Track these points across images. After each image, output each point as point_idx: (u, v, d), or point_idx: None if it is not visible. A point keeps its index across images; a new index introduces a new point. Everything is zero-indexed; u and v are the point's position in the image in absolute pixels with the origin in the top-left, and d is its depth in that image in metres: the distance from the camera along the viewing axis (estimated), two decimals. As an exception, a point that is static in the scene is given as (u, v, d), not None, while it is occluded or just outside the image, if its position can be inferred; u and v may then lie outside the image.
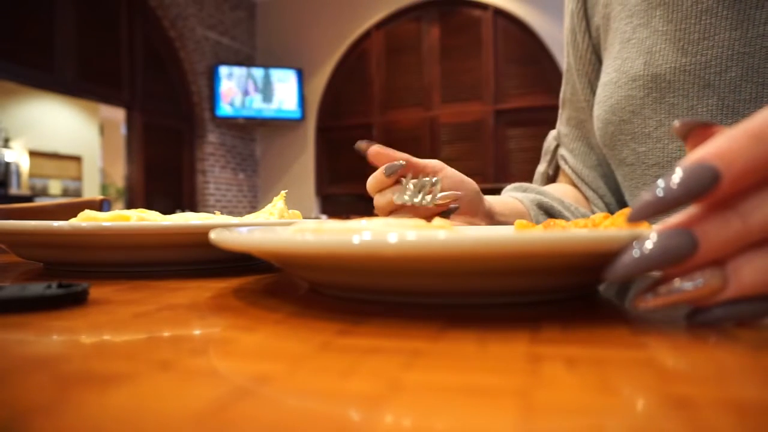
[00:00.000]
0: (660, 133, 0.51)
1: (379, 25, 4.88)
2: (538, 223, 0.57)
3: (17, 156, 6.02)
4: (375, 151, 0.46)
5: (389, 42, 4.87)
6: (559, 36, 4.19)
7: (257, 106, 4.96)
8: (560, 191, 0.65)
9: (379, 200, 0.48)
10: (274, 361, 0.16)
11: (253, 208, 5.23)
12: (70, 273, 0.38)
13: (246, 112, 4.91)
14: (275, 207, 0.50)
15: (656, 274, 0.18)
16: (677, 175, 0.17)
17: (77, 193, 6.78)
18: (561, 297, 0.25)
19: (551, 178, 0.73)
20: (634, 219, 0.18)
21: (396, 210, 0.48)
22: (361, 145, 0.47)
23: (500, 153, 4.53)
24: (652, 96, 0.51)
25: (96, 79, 3.99)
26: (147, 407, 0.12)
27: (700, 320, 0.18)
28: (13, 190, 5.81)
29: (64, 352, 0.18)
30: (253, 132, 5.32)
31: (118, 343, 0.19)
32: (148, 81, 4.39)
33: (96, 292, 0.29)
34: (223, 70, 4.83)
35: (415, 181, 0.46)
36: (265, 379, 0.14)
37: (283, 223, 0.41)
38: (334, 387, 0.14)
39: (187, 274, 0.38)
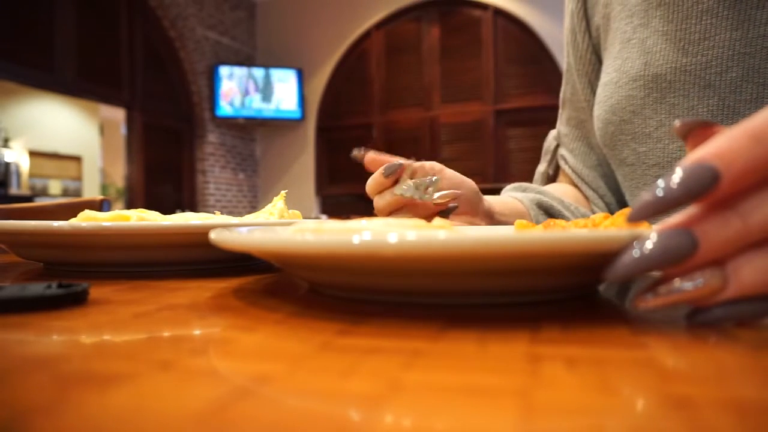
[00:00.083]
0: (660, 134, 0.51)
1: (379, 25, 4.88)
2: (538, 222, 0.57)
3: (17, 156, 6.02)
4: (371, 158, 0.47)
5: (389, 42, 4.87)
6: (559, 36, 4.19)
7: (257, 106, 4.96)
8: (560, 191, 0.65)
9: (378, 202, 0.48)
10: (274, 361, 0.16)
11: (253, 208, 5.23)
12: (70, 273, 0.38)
13: (246, 112, 4.91)
14: (275, 207, 0.50)
15: (656, 274, 0.18)
16: (677, 175, 0.17)
17: (77, 193, 6.78)
18: (561, 297, 0.25)
19: (551, 178, 0.73)
20: (634, 219, 0.18)
21: (396, 211, 0.48)
22: (357, 153, 0.47)
23: (500, 153, 4.53)
24: (652, 96, 0.51)
25: (96, 79, 3.99)
26: (147, 407, 0.12)
27: (700, 320, 0.18)
28: (13, 190, 5.81)
29: (64, 352, 0.18)
30: (253, 132, 5.32)
31: (118, 343, 0.19)
32: (148, 81, 4.39)
33: (96, 292, 0.29)
34: (224, 71, 4.83)
35: (414, 180, 0.46)
36: (265, 379, 0.14)
37: (283, 223, 0.41)
38: (334, 387, 0.14)
39: (187, 274, 0.38)
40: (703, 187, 0.17)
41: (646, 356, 0.16)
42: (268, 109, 4.99)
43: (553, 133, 0.73)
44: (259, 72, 4.96)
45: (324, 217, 4.22)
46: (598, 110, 0.58)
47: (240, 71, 4.89)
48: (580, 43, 0.64)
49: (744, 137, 0.17)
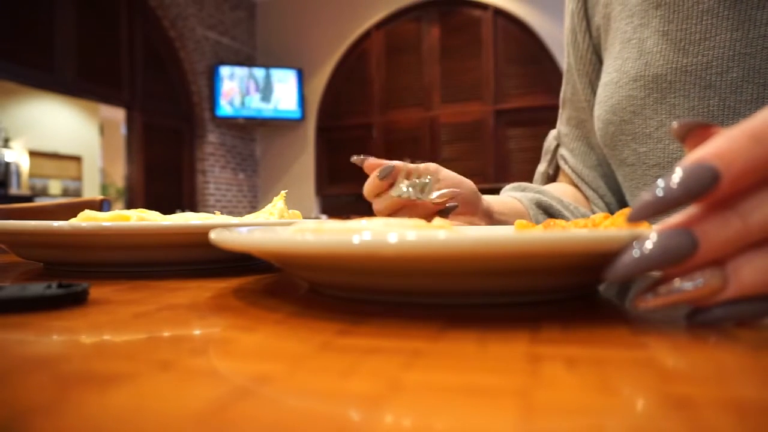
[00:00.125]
0: (661, 134, 0.51)
1: (379, 25, 4.88)
2: (537, 221, 0.57)
3: (17, 156, 6.02)
4: (370, 163, 0.47)
5: (389, 42, 4.87)
6: (559, 36, 4.19)
7: (257, 106, 4.96)
8: (560, 190, 0.65)
9: (377, 205, 0.48)
10: (274, 361, 0.16)
11: (253, 208, 5.23)
12: (70, 273, 0.38)
13: (246, 112, 4.91)
14: (275, 207, 0.50)
15: (656, 274, 0.18)
16: (677, 175, 0.17)
17: (77, 193, 6.78)
18: (561, 297, 0.25)
19: (551, 178, 0.73)
20: (634, 219, 0.18)
21: (395, 213, 0.48)
22: (356, 159, 0.48)
23: (500, 153, 4.53)
24: (653, 96, 0.51)
25: (96, 79, 3.99)
26: (147, 407, 0.12)
27: (700, 320, 0.18)
28: (13, 190, 5.81)
29: (64, 352, 0.18)
30: (253, 132, 5.32)
31: (118, 343, 0.19)
32: (148, 81, 4.39)
33: (96, 292, 0.29)
34: (225, 71, 4.83)
35: (410, 181, 0.46)
36: (265, 379, 0.14)
37: (283, 223, 0.41)
38: (334, 387, 0.14)
39: (187, 274, 0.38)
40: (703, 187, 0.17)
41: (646, 356, 0.16)
42: (268, 109, 4.99)
43: (553, 133, 0.73)
44: (259, 72, 4.96)
45: (324, 217, 4.22)
46: (599, 110, 0.58)
47: (241, 71, 4.89)
48: (581, 43, 0.64)
49: (744, 137, 0.17)
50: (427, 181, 0.46)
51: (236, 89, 4.87)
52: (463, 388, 0.13)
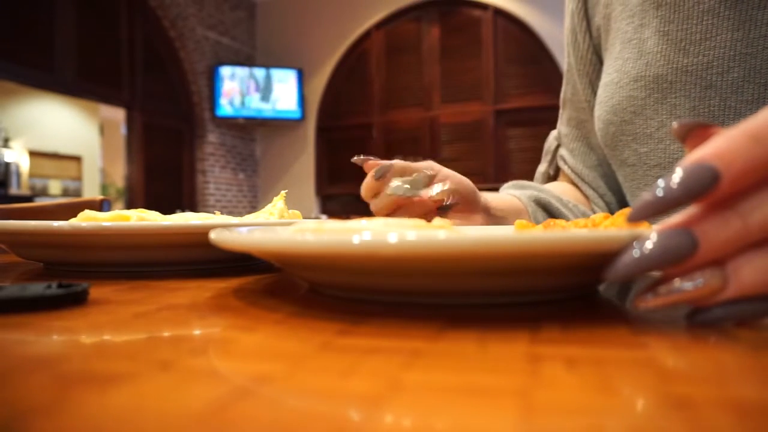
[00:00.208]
0: (662, 134, 0.51)
1: (379, 25, 4.88)
2: (536, 218, 0.57)
3: (17, 156, 6.02)
4: (371, 163, 0.48)
5: (389, 42, 4.87)
6: (559, 36, 4.19)
7: (257, 106, 4.96)
8: (559, 189, 0.65)
9: (374, 205, 0.48)
10: (274, 361, 0.16)
11: (253, 208, 5.23)
12: (70, 273, 0.38)
13: (246, 112, 4.91)
14: (275, 207, 0.50)
15: (656, 274, 0.18)
16: (677, 175, 0.17)
17: (77, 193, 6.78)
18: (561, 297, 0.25)
19: (552, 179, 0.73)
20: (634, 219, 0.18)
21: (394, 212, 0.48)
22: (357, 159, 0.48)
23: (500, 153, 4.53)
24: (653, 96, 0.51)
25: (96, 79, 3.99)
26: (147, 407, 0.12)
27: (700, 320, 0.18)
28: (13, 190, 5.81)
29: (64, 352, 0.18)
30: (253, 132, 5.32)
31: (118, 343, 0.19)
32: (148, 81, 4.39)
33: (96, 292, 0.29)
34: (226, 71, 4.83)
35: (405, 179, 0.46)
36: (265, 379, 0.14)
37: (283, 223, 0.41)
38: (334, 387, 0.14)
39: (187, 274, 0.38)
40: (703, 187, 0.17)
41: (646, 356, 0.16)
42: (268, 109, 4.99)
43: (554, 133, 0.73)
44: (259, 72, 4.96)
45: (324, 217, 4.22)
46: (599, 111, 0.58)
47: (241, 71, 4.89)
48: (581, 44, 0.64)
49: (743, 137, 0.17)
50: (421, 177, 0.46)
51: (236, 89, 4.87)
52: (463, 388, 0.13)
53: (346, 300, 0.25)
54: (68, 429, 0.11)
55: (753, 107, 0.46)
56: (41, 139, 6.36)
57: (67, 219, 0.40)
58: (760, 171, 0.17)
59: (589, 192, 0.65)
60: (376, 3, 4.85)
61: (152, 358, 0.16)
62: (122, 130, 6.15)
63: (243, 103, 4.90)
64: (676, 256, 0.17)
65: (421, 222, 0.26)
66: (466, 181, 0.50)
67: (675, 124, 0.20)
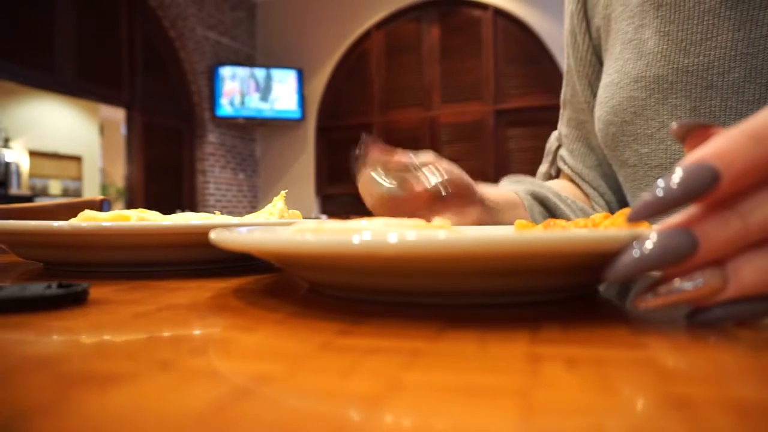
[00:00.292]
0: (663, 135, 0.51)
1: (379, 25, 4.88)
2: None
3: (17, 156, 6.02)
4: (374, 147, 0.48)
5: (389, 42, 4.87)
6: (559, 36, 4.19)
7: (257, 106, 4.96)
8: (558, 186, 0.65)
9: (371, 207, 0.48)
10: (274, 361, 0.16)
11: (253, 208, 5.23)
12: (70, 273, 0.38)
13: (246, 112, 4.91)
14: (275, 207, 0.50)
15: (656, 274, 0.18)
16: (677, 175, 0.17)
17: (77, 193, 6.78)
18: (561, 297, 0.25)
19: (553, 179, 0.73)
20: (634, 219, 0.18)
21: (387, 203, 0.49)
22: (361, 142, 0.49)
23: (500, 153, 4.53)
24: (654, 97, 0.51)
25: (96, 79, 3.99)
26: (147, 407, 0.12)
27: (700, 320, 0.18)
28: (13, 190, 5.81)
29: (64, 352, 0.18)
30: (253, 132, 5.32)
31: (118, 343, 0.19)
32: (148, 81, 4.39)
33: (96, 292, 0.29)
34: (227, 71, 4.83)
35: (390, 175, 0.47)
36: (265, 379, 0.14)
37: (283, 223, 0.41)
38: (334, 387, 0.14)
39: (187, 274, 0.38)
40: (703, 187, 0.17)
41: (646, 356, 0.16)
42: (268, 109, 4.99)
43: (555, 134, 0.73)
44: (259, 72, 4.96)
45: (324, 217, 4.22)
46: (599, 111, 0.58)
47: (241, 71, 4.89)
48: (580, 45, 0.64)
49: (743, 137, 0.17)
50: (403, 175, 0.47)
51: (236, 89, 4.87)
52: (463, 388, 0.13)
53: (346, 300, 0.25)
54: (68, 429, 0.11)
55: (754, 107, 0.46)
56: (41, 139, 6.36)
57: (67, 219, 0.40)
58: (760, 171, 0.17)
59: (590, 191, 0.65)
60: (376, 3, 4.85)
61: (152, 358, 0.16)
62: (122, 130, 6.14)
63: (243, 103, 4.90)
64: (676, 256, 0.17)
65: (421, 222, 0.26)
66: (461, 174, 0.50)
67: (674, 125, 0.20)
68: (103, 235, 0.35)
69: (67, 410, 0.12)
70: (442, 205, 0.50)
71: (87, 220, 0.40)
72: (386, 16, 4.84)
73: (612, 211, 0.64)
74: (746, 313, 0.18)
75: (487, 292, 0.23)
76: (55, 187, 6.57)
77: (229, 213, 4.69)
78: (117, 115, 6.50)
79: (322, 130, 5.13)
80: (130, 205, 4.33)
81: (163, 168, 4.57)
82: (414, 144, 4.71)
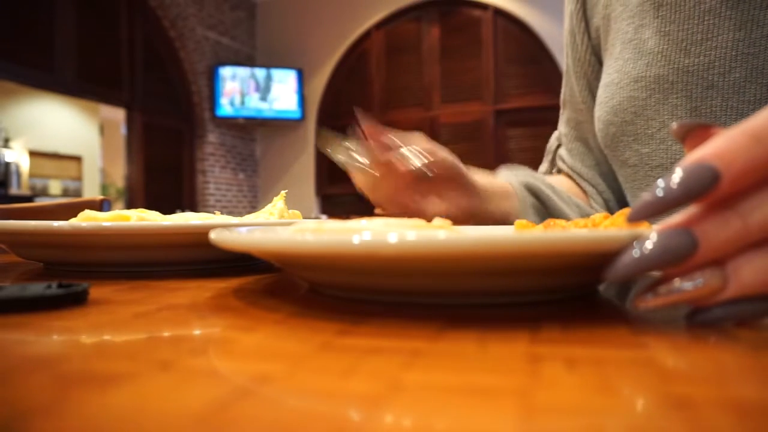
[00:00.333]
0: (663, 135, 0.51)
1: (379, 25, 4.87)
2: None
3: (17, 156, 6.02)
4: (368, 127, 0.51)
5: (389, 42, 4.87)
6: (559, 36, 4.19)
7: (257, 106, 4.95)
8: (556, 181, 0.66)
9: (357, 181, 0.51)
10: (274, 361, 0.16)
11: (253, 208, 5.23)
12: (70, 273, 0.38)
13: (246, 112, 4.91)
14: (275, 207, 0.50)
15: (656, 274, 0.18)
16: (677, 175, 0.17)
17: (77, 193, 6.78)
18: (561, 297, 0.25)
19: None
20: (634, 219, 0.18)
21: (369, 182, 0.50)
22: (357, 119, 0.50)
23: (500, 153, 4.53)
24: (654, 97, 0.51)
25: (96, 79, 3.99)
26: (147, 407, 0.12)
27: (700, 320, 0.18)
28: (13, 190, 5.81)
29: (64, 352, 0.18)
30: (253, 132, 5.32)
31: (118, 343, 0.19)
32: (148, 81, 4.39)
33: (96, 292, 0.29)
34: (227, 71, 4.82)
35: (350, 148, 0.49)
36: (265, 379, 0.14)
37: (283, 223, 0.41)
38: (334, 387, 0.14)
39: (187, 274, 0.38)
40: (703, 187, 0.17)
41: (646, 356, 0.16)
42: (268, 109, 4.99)
43: (556, 134, 0.73)
44: (260, 72, 4.96)
45: (324, 217, 4.22)
46: (600, 111, 0.58)
47: (242, 71, 4.89)
48: (579, 45, 0.64)
49: (744, 137, 0.17)
50: (358, 146, 0.49)
51: (237, 89, 4.87)
52: (463, 388, 0.13)
53: (346, 300, 0.25)
54: (68, 429, 0.11)
55: (755, 107, 0.46)
56: (41, 139, 6.36)
57: (67, 219, 0.40)
58: (761, 171, 0.17)
59: (588, 188, 0.65)
60: (376, 3, 4.85)
61: (152, 358, 0.16)
62: (122, 130, 6.14)
63: (243, 103, 4.90)
64: (676, 256, 0.17)
65: (421, 222, 0.26)
66: (451, 158, 0.51)
67: (674, 125, 0.20)
68: (103, 235, 0.35)
69: (67, 410, 0.12)
70: (429, 187, 0.50)
71: (87, 220, 0.40)
72: (386, 16, 4.83)
73: (610, 210, 0.64)
74: (746, 313, 0.18)
75: (487, 292, 0.23)
76: (55, 187, 6.57)
77: (229, 213, 4.68)
78: (117, 115, 6.50)
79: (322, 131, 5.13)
80: (130, 205, 4.33)
81: (163, 168, 4.57)
82: (414, 144, 4.70)
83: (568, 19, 0.66)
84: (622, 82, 0.54)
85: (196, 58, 4.68)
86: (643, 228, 0.22)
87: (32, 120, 6.24)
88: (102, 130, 7.23)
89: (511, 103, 4.49)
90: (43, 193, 6.35)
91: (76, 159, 6.84)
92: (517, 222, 0.33)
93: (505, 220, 0.57)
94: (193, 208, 4.74)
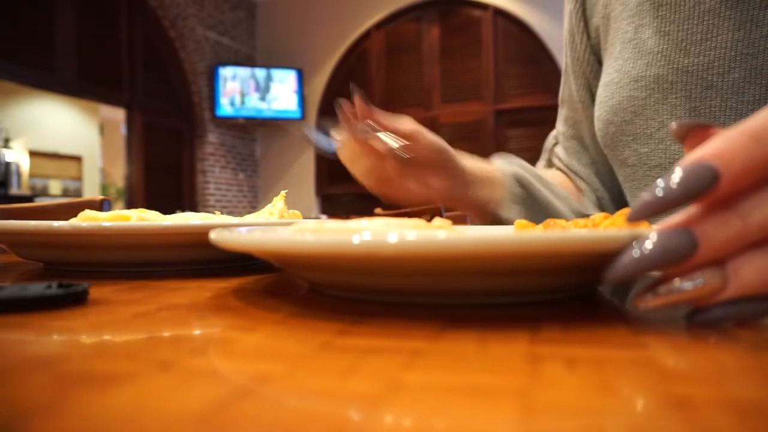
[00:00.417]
0: (662, 134, 0.51)
1: (379, 25, 4.87)
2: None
3: (17, 156, 6.02)
4: (360, 104, 0.53)
5: (389, 42, 4.87)
6: (559, 36, 4.19)
7: (257, 106, 4.95)
8: (550, 174, 0.66)
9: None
10: (274, 361, 0.16)
11: (253, 208, 5.23)
12: (70, 273, 0.38)
13: (246, 112, 4.91)
14: (275, 207, 0.50)
15: (656, 274, 0.18)
16: (677, 175, 0.17)
17: (77, 193, 6.78)
18: (561, 297, 0.25)
19: None
20: (633, 219, 0.18)
21: (348, 161, 0.54)
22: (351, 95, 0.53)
23: (500, 153, 4.53)
24: (654, 97, 0.51)
25: (96, 79, 3.99)
26: (147, 407, 0.12)
27: (700, 320, 0.18)
28: (13, 190, 5.81)
29: (64, 352, 0.18)
30: (253, 132, 5.32)
31: (118, 343, 0.19)
32: (148, 81, 4.39)
33: (96, 292, 0.29)
34: (227, 72, 4.82)
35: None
36: (265, 379, 0.14)
37: (283, 223, 0.41)
38: (334, 387, 0.14)
39: (187, 274, 0.38)
40: (703, 187, 0.17)
41: (646, 356, 0.16)
42: (268, 109, 4.99)
43: (553, 132, 0.73)
44: (260, 72, 4.96)
45: (324, 217, 4.22)
46: (599, 111, 0.58)
47: (242, 71, 4.89)
48: (578, 44, 0.64)
49: (743, 137, 0.17)
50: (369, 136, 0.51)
51: (237, 89, 4.87)
52: (463, 388, 0.13)
53: (346, 300, 0.25)
54: (68, 429, 0.11)
55: (754, 108, 0.46)
56: (41, 139, 6.36)
57: (67, 219, 0.40)
58: (760, 171, 0.17)
59: (582, 185, 0.66)
60: (376, 3, 4.85)
61: (152, 358, 0.16)
62: (122, 130, 6.14)
63: (243, 103, 4.90)
64: (676, 256, 0.17)
65: (422, 222, 0.26)
66: (436, 142, 0.53)
67: (674, 125, 0.20)
68: (103, 235, 0.35)
69: (67, 410, 0.12)
70: (409, 169, 0.52)
71: (87, 220, 0.40)
72: (386, 16, 4.83)
73: (603, 207, 0.65)
74: (746, 313, 0.18)
75: (487, 292, 0.23)
76: (55, 187, 6.57)
77: (229, 213, 4.68)
78: (117, 115, 6.50)
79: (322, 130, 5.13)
80: (130, 205, 4.33)
81: (163, 168, 4.57)
82: (414, 144, 4.70)
83: (567, 19, 0.66)
84: (622, 82, 0.54)
85: (196, 58, 4.68)
86: (643, 228, 0.22)
87: (32, 120, 6.24)
88: (102, 130, 7.23)
89: (511, 103, 4.49)
90: (43, 193, 6.35)
91: (76, 159, 6.84)
92: (517, 222, 0.33)
93: (484, 207, 0.58)
94: (193, 208, 4.74)
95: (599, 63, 0.63)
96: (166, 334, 0.20)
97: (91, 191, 6.92)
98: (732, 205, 0.17)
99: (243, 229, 0.30)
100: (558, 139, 0.71)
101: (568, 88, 0.68)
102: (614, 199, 0.66)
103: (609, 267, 0.18)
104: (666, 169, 0.52)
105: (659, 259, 0.17)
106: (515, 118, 4.49)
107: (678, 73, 0.49)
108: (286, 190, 0.55)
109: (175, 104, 4.65)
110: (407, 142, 0.50)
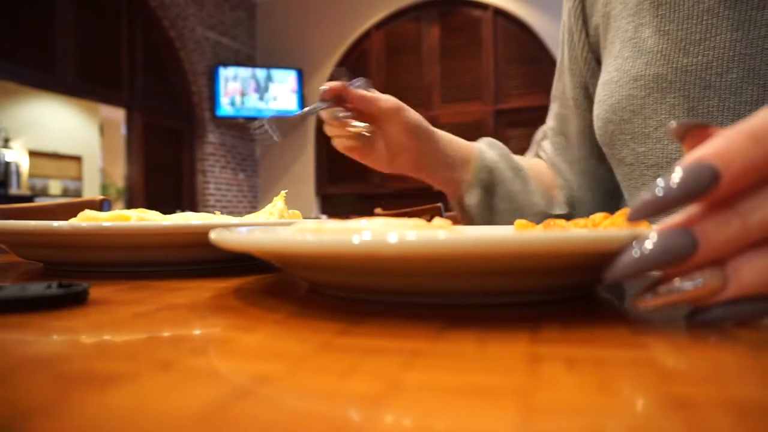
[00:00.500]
0: (660, 134, 0.51)
1: (379, 25, 4.87)
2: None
3: (17, 156, 6.02)
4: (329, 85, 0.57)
5: (389, 42, 4.87)
6: (559, 36, 4.19)
7: (257, 106, 4.95)
8: (533, 163, 0.67)
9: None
10: (274, 361, 0.16)
11: (253, 208, 5.23)
12: (70, 273, 0.38)
13: (246, 112, 4.91)
14: (275, 207, 0.50)
15: (656, 274, 0.18)
16: (677, 175, 0.17)
17: (77, 193, 6.78)
18: (561, 297, 0.25)
19: None
20: (633, 218, 0.18)
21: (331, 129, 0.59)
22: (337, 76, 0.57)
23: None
24: (653, 96, 0.51)
25: (96, 79, 3.99)
26: (147, 407, 0.12)
27: (700, 320, 0.18)
28: (13, 190, 5.81)
29: (64, 352, 0.18)
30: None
31: (118, 343, 0.19)
32: (148, 81, 4.39)
33: (96, 292, 0.29)
34: (228, 72, 4.82)
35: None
36: (265, 379, 0.14)
37: (283, 223, 0.41)
38: (334, 387, 0.14)
39: (187, 274, 0.38)
40: (703, 187, 0.17)
41: (646, 356, 0.16)
42: (267, 109, 4.98)
43: (544, 126, 0.74)
44: (260, 72, 4.96)
45: (324, 217, 4.22)
46: (598, 109, 0.58)
47: (242, 72, 4.89)
48: (576, 42, 0.64)
49: (743, 137, 0.17)
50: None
51: (237, 89, 4.87)
52: (463, 388, 0.13)
53: (346, 300, 0.25)
54: (68, 429, 0.11)
55: (751, 108, 0.46)
56: (41, 139, 6.36)
57: (67, 219, 0.40)
58: (760, 171, 0.17)
59: (560, 181, 0.66)
60: (376, 3, 4.85)
61: (152, 358, 0.16)
62: (122, 130, 6.13)
63: (243, 103, 4.90)
64: (676, 256, 0.17)
65: (421, 222, 0.26)
66: (390, 101, 0.60)
67: (672, 124, 0.20)
68: (103, 235, 0.35)
69: (67, 410, 0.12)
70: (378, 132, 0.58)
71: (87, 220, 0.40)
72: (386, 16, 4.83)
73: (572, 206, 0.65)
74: (746, 313, 0.18)
75: (487, 292, 0.23)
76: (55, 187, 6.57)
77: (229, 213, 4.68)
78: (117, 115, 6.49)
79: (322, 130, 5.12)
80: (130, 205, 4.33)
81: (163, 168, 4.57)
82: (414, 144, 4.70)
83: (565, 16, 0.66)
84: (621, 81, 0.54)
85: (196, 58, 4.68)
86: (643, 228, 0.22)
87: (32, 120, 6.24)
88: (102, 130, 7.23)
89: (511, 103, 4.49)
90: (43, 193, 6.35)
91: (76, 159, 6.84)
92: (517, 222, 0.33)
93: (457, 188, 0.61)
94: (193, 208, 4.73)
95: (597, 61, 0.63)
96: (166, 334, 0.20)
97: (91, 191, 6.92)
98: (732, 205, 0.17)
99: (243, 229, 0.30)
100: (547, 133, 0.72)
101: (562, 84, 0.68)
102: (594, 201, 0.66)
103: (609, 267, 0.18)
104: (663, 168, 0.52)
105: (659, 259, 0.17)
106: (515, 118, 4.49)
107: (677, 73, 0.49)
108: (286, 190, 0.55)
109: (175, 104, 4.66)
110: (370, 126, 0.56)
